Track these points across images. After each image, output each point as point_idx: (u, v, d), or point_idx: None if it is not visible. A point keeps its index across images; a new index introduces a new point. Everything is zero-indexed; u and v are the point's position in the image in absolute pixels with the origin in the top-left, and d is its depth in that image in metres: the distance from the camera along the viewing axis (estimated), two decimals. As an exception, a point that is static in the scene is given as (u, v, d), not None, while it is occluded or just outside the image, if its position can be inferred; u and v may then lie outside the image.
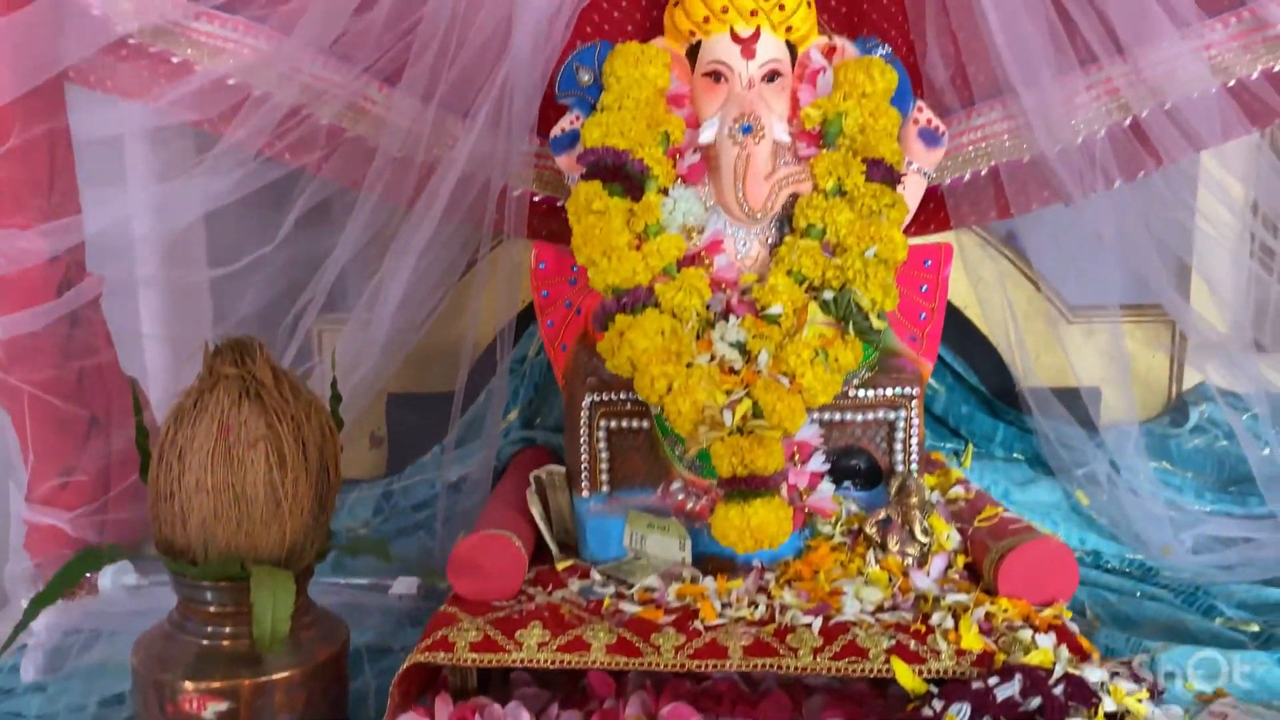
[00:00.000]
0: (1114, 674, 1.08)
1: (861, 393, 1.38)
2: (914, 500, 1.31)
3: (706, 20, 1.37)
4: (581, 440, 1.40)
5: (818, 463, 1.34)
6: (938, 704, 1.04)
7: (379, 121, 1.65)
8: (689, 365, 1.28)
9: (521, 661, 1.15)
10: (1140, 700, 1.06)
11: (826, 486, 1.35)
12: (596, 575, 1.33)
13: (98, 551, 1.16)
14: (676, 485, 1.39)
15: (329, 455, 1.20)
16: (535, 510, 1.39)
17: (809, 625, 1.16)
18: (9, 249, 1.59)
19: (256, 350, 1.18)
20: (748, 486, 1.26)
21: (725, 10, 1.36)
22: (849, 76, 1.37)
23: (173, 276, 1.80)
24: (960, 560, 1.29)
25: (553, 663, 1.14)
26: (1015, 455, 1.79)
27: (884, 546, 1.29)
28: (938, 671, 1.10)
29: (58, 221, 1.63)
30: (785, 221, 1.39)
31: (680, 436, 1.29)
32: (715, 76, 1.38)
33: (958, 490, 1.45)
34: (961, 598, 1.20)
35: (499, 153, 1.63)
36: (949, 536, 1.30)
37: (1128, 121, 1.60)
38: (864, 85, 1.36)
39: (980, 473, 1.75)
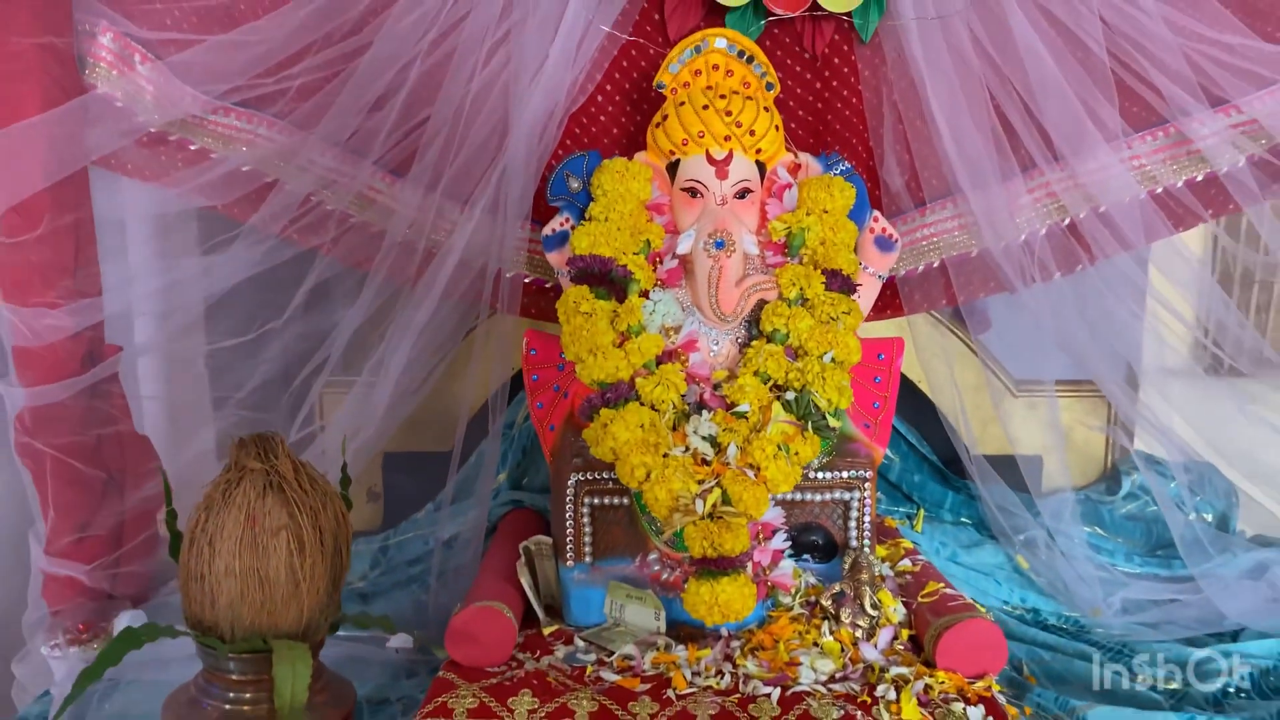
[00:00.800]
0: (1033, 742, 1.24)
1: (820, 475, 1.53)
2: (865, 576, 1.46)
3: (685, 143, 1.52)
4: (567, 514, 1.53)
5: (779, 541, 1.49)
6: (880, 770, 1.20)
7: (384, 209, 1.77)
8: (666, 456, 1.42)
9: (513, 729, 1.29)
10: (1056, 767, 1.22)
11: (787, 562, 1.50)
12: (580, 642, 1.47)
13: (136, 631, 1.28)
14: (653, 557, 1.53)
15: (342, 540, 1.33)
16: (524, 580, 1.52)
17: (769, 695, 1.30)
18: (38, 326, 1.71)
19: (279, 445, 1.31)
20: (716, 566, 1.40)
21: (701, 135, 1.51)
22: (811, 194, 1.52)
23: (188, 346, 1.91)
24: (905, 634, 1.44)
25: (541, 728, 1.29)
26: (963, 520, 1.93)
27: (837, 618, 1.43)
28: (886, 747, 1.25)
29: (83, 301, 1.75)
30: (753, 322, 1.53)
31: (657, 518, 1.44)
32: (692, 192, 1.52)
33: (906, 563, 1.59)
34: (904, 670, 1.35)
35: (495, 238, 1.76)
36: (895, 610, 1.45)
37: (1065, 222, 1.76)
38: (825, 202, 1.51)
39: (931, 536, 1.90)
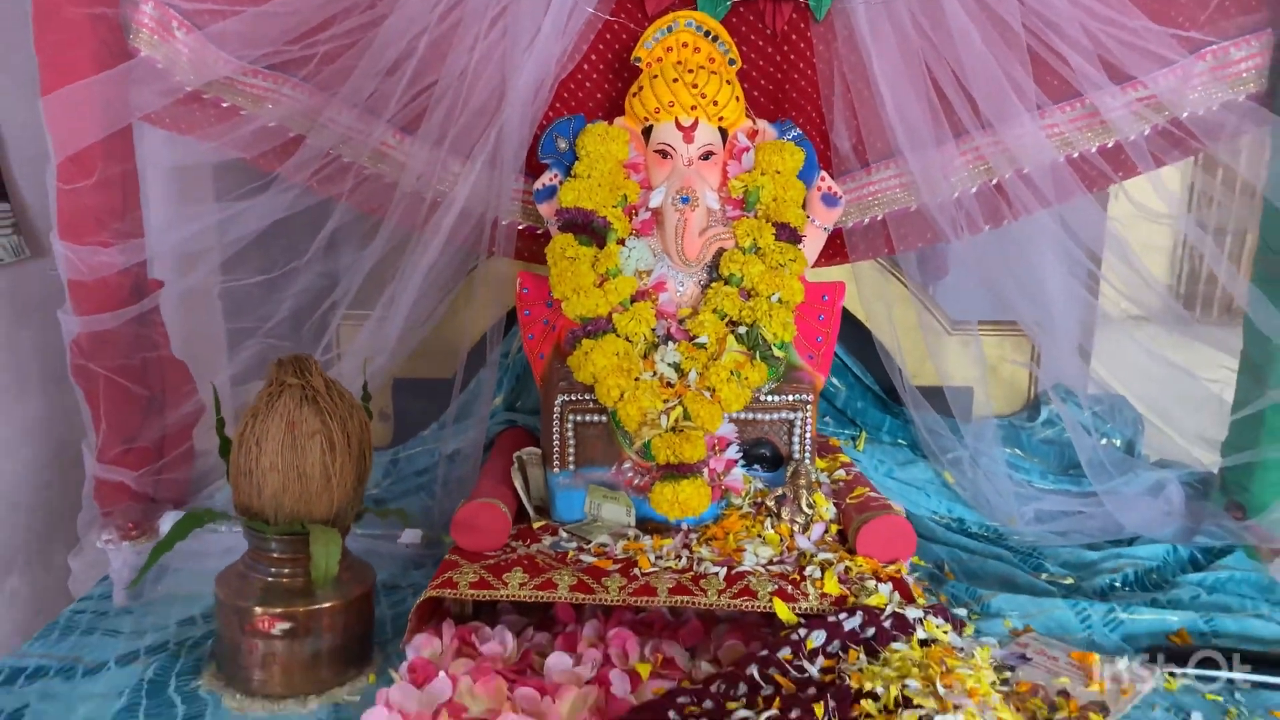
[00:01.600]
0: (927, 612, 1.51)
1: (769, 398, 1.78)
2: (803, 482, 1.73)
3: (657, 111, 1.75)
4: (554, 429, 1.77)
5: (732, 452, 1.75)
6: (803, 631, 1.47)
7: (396, 163, 1.96)
8: (637, 380, 1.69)
9: (507, 596, 1.55)
10: (945, 631, 1.50)
11: (738, 470, 1.76)
12: (563, 533, 1.73)
13: (198, 514, 1.55)
14: (626, 465, 1.77)
15: (365, 444, 1.58)
16: (518, 483, 1.79)
17: (717, 573, 1.58)
18: (93, 262, 1.92)
19: (312, 365, 1.56)
20: (678, 471, 1.67)
21: (671, 104, 1.74)
22: (766, 157, 1.76)
23: (222, 282, 2.14)
24: (834, 528, 1.71)
25: (530, 597, 1.55)
26: (899, 441, 2.20)
27: (779, 516, 1.71)
28: (806, 609, 1.52)
29: (130, 241, 1.96)
30: (713, 267, 1.77)
31: (629, 432, 1.71)
32: (663, 154, 1.76)
33: (841, 473, 1.86)
34: (830, 556, 1.63)
35: (492, 190, 1.96)
36: (827, 509, 1.72)
37: (993, 181, 1.95)
38: (777, 164, 1.75)
39: (871, 455, 2.16)
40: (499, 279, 2.15)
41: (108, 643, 1.68)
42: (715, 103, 1.74)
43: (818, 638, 1.45)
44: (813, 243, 1.82)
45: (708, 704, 1.34)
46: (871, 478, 1.98)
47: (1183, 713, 1.52)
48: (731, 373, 1.67)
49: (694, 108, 1.74)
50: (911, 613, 1.49)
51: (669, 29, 1.78)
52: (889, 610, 1.49)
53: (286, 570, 1.55)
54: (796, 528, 1.68)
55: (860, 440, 2.17)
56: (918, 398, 2.11)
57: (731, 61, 1.80)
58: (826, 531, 1.70)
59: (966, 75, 1.89)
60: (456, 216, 1.96)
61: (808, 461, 1.79)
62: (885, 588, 1.55)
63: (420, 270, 1.99)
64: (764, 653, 1.42)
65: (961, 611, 1.68)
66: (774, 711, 1.29)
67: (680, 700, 1.34)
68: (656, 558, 1.64)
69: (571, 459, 1.78)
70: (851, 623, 1.47)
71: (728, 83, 1.77)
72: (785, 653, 1.42)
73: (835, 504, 1.75)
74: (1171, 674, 1.60)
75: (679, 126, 1.74)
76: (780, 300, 1.70)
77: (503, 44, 1.91)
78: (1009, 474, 2.11)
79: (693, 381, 1.68)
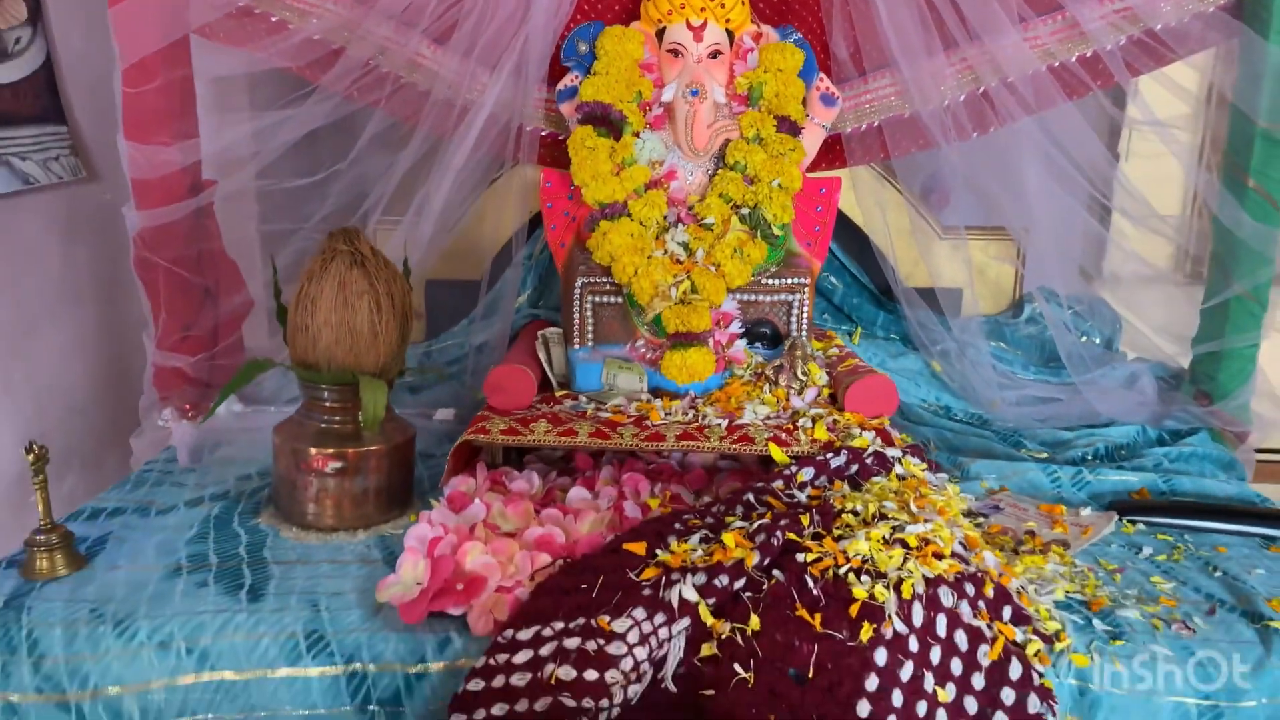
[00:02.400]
0: (905, 452, 1.69)
1: (769, 281, 1.96)
2: (799, 353, 1.91)
3: (669, 13, 1.93)
4: (575, 309, 1.95)
5: (735, 327, 1.93)
6: (794, 468, 1.66)
7: (429, 73, 2.11)
8: (649, 257, 1.87)
9: (534, 441, 1.74)
10: (922, 469, 1.68)
11: (741, 344, 1.95)
12: (583, 398, 1.93)
13: (259, 362, 1.74)
14: (640, 343, 1.95)
15: (406, 306, 1.76)
16: (542, 356, 1.97)
17: (719, 424, 1.77)
18: (155, 160, 2.08)
19: (360, 235, 1.75)
20: (686, 339, 1.86)
21: (683, 7, 1.91)
22: (769, 56, 1.93)
23: (266, 185, 2.33)
24: (825, 391, 1.90)
25: (553, 443, 1.74)
26: (892, 335, 2.37)
27: (776, 383, 1.89)
28: (797, 451, 1.71)
29: (188, 141, 2.13)
30: (720, 158, 1.95)
31: (641, 306, 1.89)
32: (674, 53, 1.94)
33: (833, 350, 2.05)
34: (820, 412, 1.81)
35: (517, 97, 2.10)
36: (820, 377, 1.90)
37: (980, 90, 2.09)
38: (779, 63, 1.92)
39: (865, 347, 2.33)
40: (523, 184, 2.32)
41: (175, 491, 1.89)
42: (723, 4, 1.92)
43: (807, 474, 1.64)
44: (811, 138, 1.99)
45: (709, 520, 1.53)
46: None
47: (1135, 547, 1.70)
48: (735, 250, 1.85)
49: (703, 9, 1.91)
50: (891, 452, 1.67)
51: (682, -61, 1.95)
52: (871, 450, 1.67)
53: (338, 417, 1.74)
54: (792, 391, 1.86)
55: (856, 334, 2.35)
56: (912, 296, 2.27)
57: (738, -33, 1.98)
58: (819, 395, 1.88)
59: (956, -11, 2.04)
60: (484, 122, 2.11)
61: (804, 337, 1.96)
62: (869, 434, 1.73)
63: (450, 173, 2.14)
64: (759, 484, 1.61)
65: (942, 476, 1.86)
66: (765, 520, 1.48)
67: (685, 516, 1.53)
68: (666, 414, 1.82)
69: (590, 336, 1.96)
70: (837, 461, 1.66)
71: (734, -13, 1.94)
72: (778, 484, 1.61)
73: (827, 373, 1.93)
74: (1130, 521, 1.78)
75: (689, 26, 1.92)
76: (780, 185, 1.88)
77: (529, -43, 2.07)
78: (993, 364, 2.28)
79: (700, 258, 1.86)
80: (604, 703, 1.30)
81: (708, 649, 1.34)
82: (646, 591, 1.38)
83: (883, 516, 1.49)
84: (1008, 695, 1.34)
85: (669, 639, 1.35)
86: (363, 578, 1.57)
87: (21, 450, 1.59)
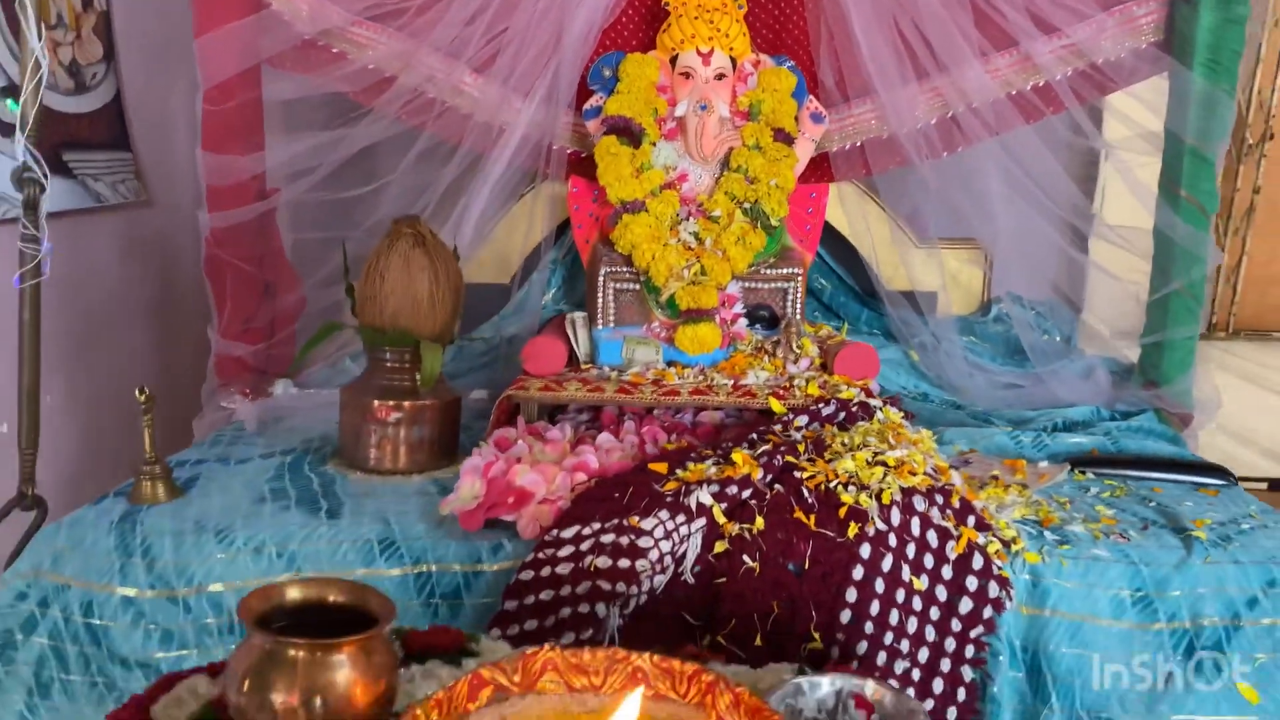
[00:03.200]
0: (886, 403, 1.98)
1: (768, 271, 2.27)
2: (793, 330, 2.20)
3: (682, 42, 2.26)
4: (598, 295, 2.22)
5: (738, 308, 2.23)
6: (791, 415, 1.94)
7: (471, 98, 2.41)
8: (665, 245, 2.17)
9: (566, 398, 2.03)
10: (900, 416, 1.96)
11: (743, 323, 2.24)
12: (607, 368, 2.21)
13: (334, 324, 2.03)
14: (655, 324, 2.25)
15: (458, 283, 2.05)
16: (569, 332, 2.26)
17: (726, 384, 2.06)
18: (230, 169, 2.40)
19: (420, 222, 2.05)
20: (696, 315, 2.15)
21: (693, 37, 2.25)
22: (767, 79, 2.26)
23: (323, 195, 2.63)
24: (817, 362, 2.19)
25: (583, 398, 2.02)
26: (874, 331, 2.68)
27: (775, 354, 2.18)
28: (793, 404, 2.00)
29: (256, 154, 2.45)
30: (724, 164, 2.27)
31: (658, 287, 2.18)
32: (686, 75, 2.27)
33: (823, 333, 2.35)
34: (813, 374, 2.10)
35: (548, 120, 2.41)
36: (812, 350, 2.19)
37: (949, 115, 2.40)
38: (775, 84, 2.26)
39: (850, 340, 2.63)
40: (550, 197, 2.63)
41: (249, 448, 2.15)
42: (727, 35, 2.25)
43: (802, 420, 1.92)
44: (802, 149, 2.32)
45: (719, 452, 1.81)
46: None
47: (1085, 489, 1.98)
48: (739, 238, 2.15)
49: (710, 39, 2.25)
50: (874, 403, 1.96)
51: (692, -20, 2.30)
52: (856, 400, 1.96)
53: (398, 376, 2.01)
54: (788, 361, 2.15)
55: (843, 330, 2.63)
56: (894, 296, 2.57)
57: (741, 5, 2.32)
58: (811, 364, 2.17)
59: (925, 27, 2.37)
60: (518, 141, 2.41)
61: (798, 318, 2.26)
62: (855, 390, 2.02)
63: (488, 186, 2.44)
64: (761, 428, 1.89)
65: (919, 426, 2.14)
66: (767, 447, 1.76)
67: (700, 448, 1.81)
68: (679, 379, 2.11)
69: (612, 318, 2.25)
70: (828, 409, 1.94)
71: (737, 21, 2.28)
72: (777, 428, 1.89)
73: (818, 347, 2.22)
74: (1081, 471, 2.06)
75: (699, 53, 2.25)
76: (777, 185, 2.20)
77: (560, -1, 2.41)
78: (965, 355, 2.57)
79: (709, 246, 2.17)
80: (634, 588, 1.56)
81: (720, 546, 1.61)
82: (669, 498, 1.65)
83: (866, 446, 1.77)
84: (971, 582, 1.61)
85: (688, 536, 1.61)
86: (424, 502, 1.83)
87: (83, 447, 1.81)
